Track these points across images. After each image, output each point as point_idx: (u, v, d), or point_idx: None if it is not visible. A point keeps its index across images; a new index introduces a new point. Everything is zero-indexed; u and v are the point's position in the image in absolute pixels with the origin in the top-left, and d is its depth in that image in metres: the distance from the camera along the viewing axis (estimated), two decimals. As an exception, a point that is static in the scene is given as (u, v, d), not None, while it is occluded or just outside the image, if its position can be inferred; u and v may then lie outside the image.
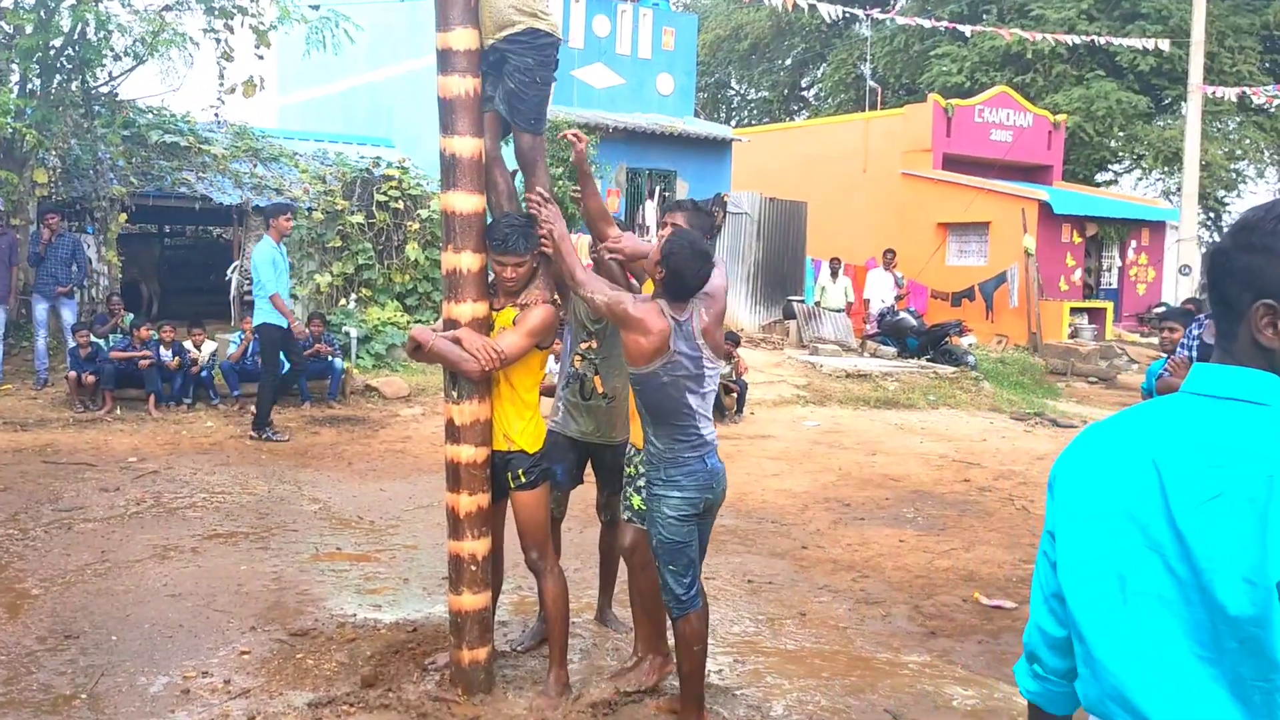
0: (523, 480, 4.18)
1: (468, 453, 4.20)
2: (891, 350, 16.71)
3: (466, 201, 4.20)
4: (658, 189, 18.35)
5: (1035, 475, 9.59)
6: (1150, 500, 1.57)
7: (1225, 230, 1.68)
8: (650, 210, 17.28)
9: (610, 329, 4.47)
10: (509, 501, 4.31)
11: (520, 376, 4.17)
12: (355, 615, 5.28)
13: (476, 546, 4.24)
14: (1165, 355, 6.50)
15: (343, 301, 14.33)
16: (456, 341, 4.03)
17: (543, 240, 4.13)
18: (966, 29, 22.83)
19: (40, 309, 11.42)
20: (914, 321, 17.03)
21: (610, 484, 4.81)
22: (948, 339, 16.36)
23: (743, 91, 40.87)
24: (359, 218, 14.44)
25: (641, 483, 4.22)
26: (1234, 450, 1.51)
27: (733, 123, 37.77)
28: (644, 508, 4.20)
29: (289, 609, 5.38)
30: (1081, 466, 1.70)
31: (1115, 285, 22.60)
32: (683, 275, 3.81)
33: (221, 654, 4.76)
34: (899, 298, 17.73)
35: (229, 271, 14.89)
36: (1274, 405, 1.54)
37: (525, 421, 4.19)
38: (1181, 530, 1.52)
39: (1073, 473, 1.71)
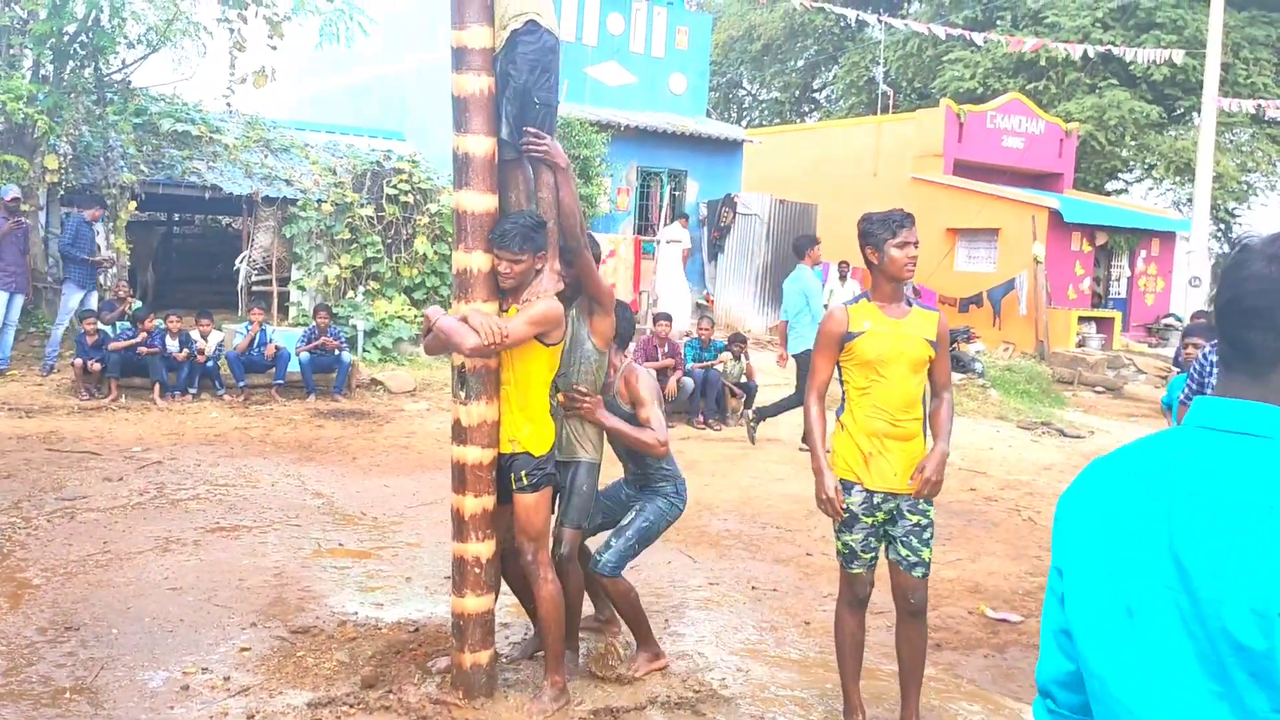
0: (524, 483, 4.15)
1: (474, 454, 4.17)
2: (898, 355, 16.66)
3: (479, 201, 4.16)
4: (668, 189, 18.29)
5: (1042, 486, 9.54)
6: (1157, 534, 1.53)
7: (1253, 251, 1.55)
8: (676, 230, 17.29)
9: (570, 337, 4.34)
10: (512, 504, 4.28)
11: (527, 377, 4.12)
12: (356, 614, 5.26)
13: (481, 549, 4.21)
14: (1185, 371, 6.41)
15: (350, 294, 14.31)
16: (464, 321, 3.98)
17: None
18: (978, 37, 22.74)
19: (76, 297, 11.54)
20: (922, 327, 16.95)
21: (564, 510, 4.52)
22: (955, 345, 16.31)
23: (754, 92, 40.84)
24: (368, 210, 14.43)
25: (930, 534, 4.14)
26: (1240, 484, 1.47)
27: (744, 122, 37.73)
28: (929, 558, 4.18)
29: (290, 605, 5.35)
30: (1089, 501, 1.65)
31: (1124, 295, 22.52)
32: None
33: (221, 650, 4.73)
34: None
35: (237, 261, 14.88)
36: (1277, 438, 1.50)
37: (533, 425, 4.14)
38: (1188, 564, 1.49)
39: (1080, 507, 1.67)
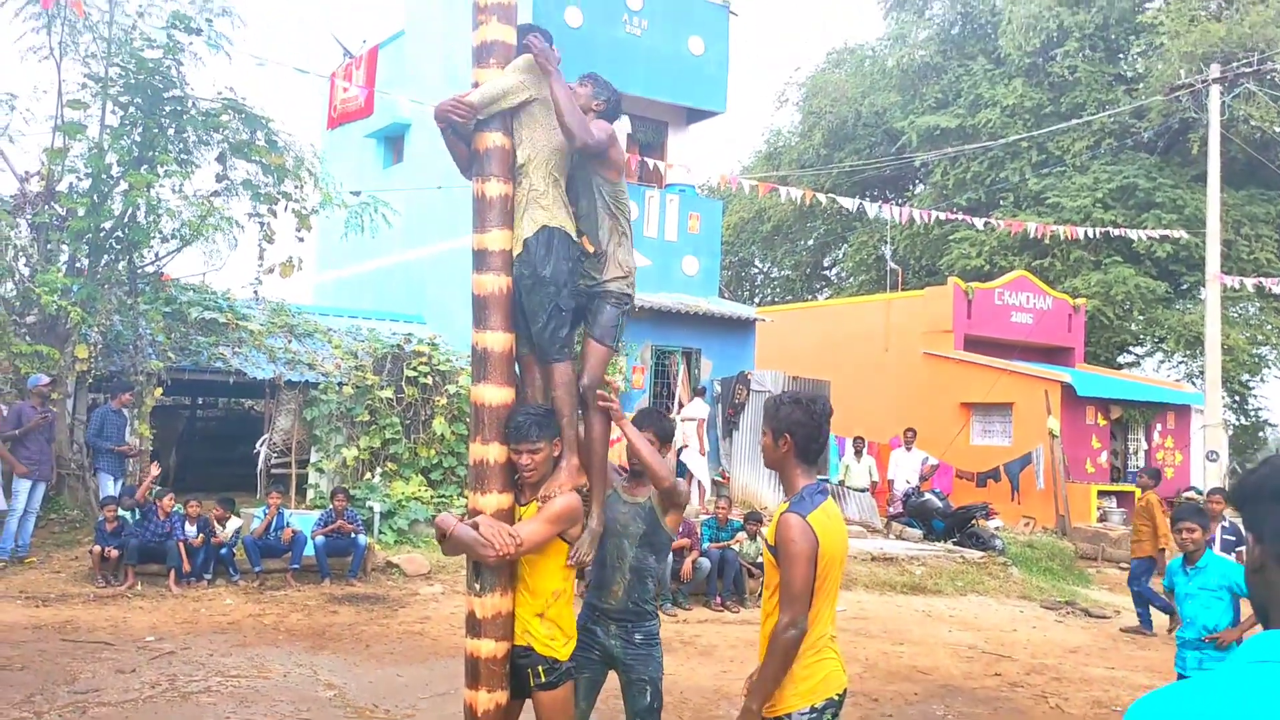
0: (543, 679, 4.10)
1: (488, 647, 4.15)
2: (917, 532, 16.52)
3: (496, 394, 4.29)
4: (682, 369, 18.59)
5: (1068, 670, 9.31)
6: None
7: None
8: (696, 407, 17.59)
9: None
10: (527, 700, 4.22)
11: (538, 576, 4.10)
12: (367, 814, 5.12)
13: (494, 747, 4.14)
14: (1183, 554, 6.37)
15: (368, 475, 14.40)
16: (476, 528, 4.00)
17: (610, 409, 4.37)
18: (978, 221, 23.42)
19: (110, 484, 11.96)
20: (939, 503, 16.87)
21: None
22: (974, 521, 16.16)
23: (766, 270, 41.83)
24: (388, 392, 14.67)
25: None
26: None
27: (756, 299, 38.53)
28: None
29: (299, 805, 5.22)
30: None
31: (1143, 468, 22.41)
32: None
33: None
34: (924, 478, 17.62)
35: (258, 444, 15.05)
36: None
37: (549, 623, 4.10)
38: None
39: None
